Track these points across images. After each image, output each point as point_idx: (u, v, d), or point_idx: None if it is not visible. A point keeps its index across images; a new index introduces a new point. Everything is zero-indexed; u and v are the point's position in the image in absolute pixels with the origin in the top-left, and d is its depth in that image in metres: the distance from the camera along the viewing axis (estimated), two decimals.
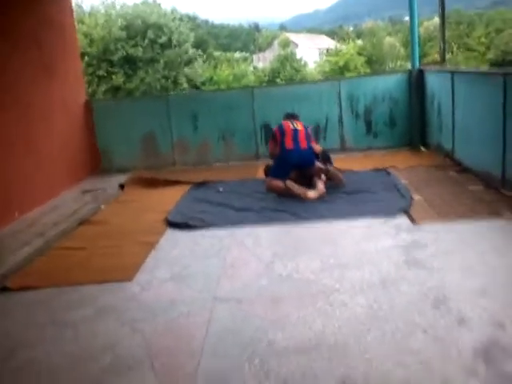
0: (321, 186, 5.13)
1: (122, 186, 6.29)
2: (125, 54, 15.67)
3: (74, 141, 6.90)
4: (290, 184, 5.16)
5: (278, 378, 2.25)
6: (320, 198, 4.99)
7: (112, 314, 3.03)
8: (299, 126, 5.47)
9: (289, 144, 5.32)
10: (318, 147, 5.74)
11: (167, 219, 4.74)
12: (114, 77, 12.86)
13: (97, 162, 7.47)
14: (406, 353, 2.34)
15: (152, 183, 6.22)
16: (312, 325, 2.68)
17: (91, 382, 2.37)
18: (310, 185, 5.17)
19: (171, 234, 4.42)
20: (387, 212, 4.38)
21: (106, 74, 12.92)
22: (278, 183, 5.25)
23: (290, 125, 5.49)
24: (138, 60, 14.11)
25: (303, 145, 5.33)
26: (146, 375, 2.38)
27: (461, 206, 4.36)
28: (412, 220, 4.17)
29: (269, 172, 5.62)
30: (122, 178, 6.59)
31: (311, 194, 5.04)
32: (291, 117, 5.79)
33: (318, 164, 5.33)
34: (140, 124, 7.48)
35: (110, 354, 2.59)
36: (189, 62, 14.69)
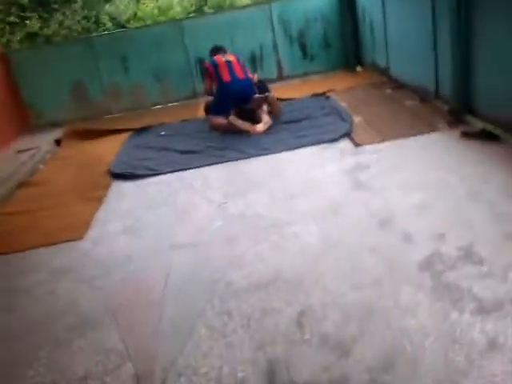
0: (266, 117, 5.11)
1: (57, 142, 6.00)
2: None
3: None
4: (233, 119, 5.09)
5: (241, 315, 2.33)
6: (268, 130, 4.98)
7: (67, 274, 2.99)
8: (231, 57, 5.36)
9: (225, 76, 5.21)
10: (254, 77, 5.64)
11: (110, 171, 4.61)
12: (27, 22, 11.84)
13: (26, 119, 7.03)
14: (358, 274, 2.46)
15: (89, 135, 5.96)
16: (268, 259, 2.76)
17: (54, 344, 2.37)
18: (253, 119, 5.12)
19: (117, 186, 4.33)
20: (330, 137, 4.44)
21: (18, 20, 11.85)
22: (221, 120, 5.18)
23: (221, 57, 5.37)
24: (51, 1, 12.98)
25: (240, 75, 5.24)
26: (109, 332, 2.39)
27: (399, 123, 4.48)
28: (354, 143, 4.25)
29: (210, 110, 5.52)
30: (56, 133, 6.27)
31: (259, 127, 5.01)
32: (219, 50, 5.63)
33: (257, 95, 5.25)
34: (66, 72, 7.00)
35: (70, 314, 2.58)
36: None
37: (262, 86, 5.54)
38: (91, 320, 2.51)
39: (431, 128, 4.23)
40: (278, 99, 5.55)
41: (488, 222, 2.68)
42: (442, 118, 4.41)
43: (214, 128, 5.29)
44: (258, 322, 2.26)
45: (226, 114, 5.17)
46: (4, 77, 6.76)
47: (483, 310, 2.04)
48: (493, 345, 1.85)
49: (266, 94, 5.29)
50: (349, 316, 2.17)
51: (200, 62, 7.00)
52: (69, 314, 2.59)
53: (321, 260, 2.65)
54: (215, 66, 5.31)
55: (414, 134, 4.17)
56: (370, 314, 2.16)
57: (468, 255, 2.42)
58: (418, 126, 4.35)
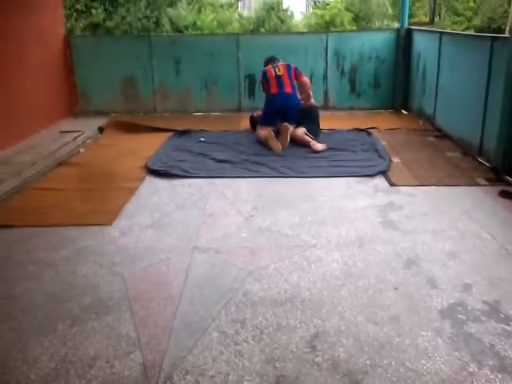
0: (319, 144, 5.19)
1: (101, 129, 6.16)
2: None
3: (52, 77, 6.66)
4: (269, 134, 5.22)
5: (254, 327, 2.33)
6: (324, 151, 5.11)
7: (91, 256, 3.05)
8: (281, 71, 5.54)
9: (273, 88, 5.49)
10: (307, 80, 5.78)
11: (147, 166, 4.70)
12: (93, 12, 12.29)
13: (75, 103, 7.25)
14: (376, 308, 2.45)
15: (132, 128, 6.11)
16: (288, 277, 2.76)
17: (70, 320, 2.41)
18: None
19: (151, 181, 4.41)
20: (366, 172, 4.45)
21: (85, 9, 12.31)
22: (264, 132, 5.32)
23: (272, 71, 5.58)
24: None
25: (287, 89, 5.45)
26: (123, 317, 2.43)
27: (437, 172, 4.46)
28: (389, 182, 4.25)
29: (255, 122, 5.78)
30: (100, 121, 6.45)
31: (319, 146, 5.13)
32: (272, 60, 5.84)
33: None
34: (121, 65, 7.22)
35: (89, 295, 2.63)
36: (172, 4, 14.12)
37: (311, 111, 5.66)
38: (107, 304, 2.55)
39: (470, 181, 4.20)
40: (319, 129, 5.69)
41: None
42: (482, 173, 4.38)
43: (258, 139, 5.39)
44: (271, 337, 2.26)
45: (270, 126, 5.38)
46: (63, 59, 7.00)
47: (504, 368, 2.00)
48: None
49: (284, 124, 5.30)
50: (362, 347, 2.16)
51: (249, 78, 7.14)
52: (87, 295, 2.64)
53: (341, 288, 2.64)
54: (266, 79, 5.59)
55: (452, 184, 4.14)
56: (385, 349, 2.13)
57: (493, 311, 2.38)
58: (457, 176, 4.33)
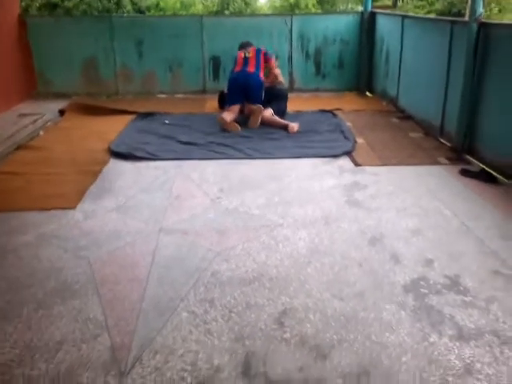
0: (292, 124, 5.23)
1: (61, 112, 5.98)
2: None
3: (7, 59, 6.38)
4: (225, 115, 5.26)
5: (223, 306, 2.34)
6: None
7: (55, 240, 2.98)
8: (250, 54, 5.57)
9: (237, 68, 5.51)
10: (277, 70, 5.81)
11: (110, 148, 4.61)
12: None
13: (33, 85, 7.00)
14: (342, 284, 2.50)
15: (94, 110, 5.95)
16: (255, 257, 2.78)
17: (35, 305, 2.36)
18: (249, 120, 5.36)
19: (114, 164, 4.33)
20: (332, 153, 4.49)
21: None
22: (224, 114, 5.31)
23: (242, 55, 5.60)
24: None
25: (250, 68, 5.46)
26: (90, 301, 2.40)
27: (401, 151, 4.55)
28: (354, 162, 4.31)
29: (225, 99, 5.78)
30: (61, 104, 6.26)
31: (295, 127, 5.16)
32: (245, 45, 5.86)
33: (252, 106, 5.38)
34: (81, 46, 7.01)
35: (53, 280, 2.58)
36: None
37: (280, 92, 5.69)
38: (73, 288, 2.50)
39: (432, 161, 4.31)
40: (285, 110, 5.75)
41: (476, 257, 2.74)
42: (443, 153, 4.49)
43: (218, 122, 5.35)
44: (239, 315, 2.27)
45: (234, 105, 5.38)
46: (18, 40, 6.72)
47: (462, 337, 2.08)
48: (468, 370, 1.89)
49: (257, 105, 5.33)
50: (329, 322, 2.20)
51: (214, 60, 7.07)
52: (51, 279, 2.58)
53: (308, 265, 2.68)
54: (235, 61, 5.63)
55: (414, 164, 4.24)
56: (351, 324, 2.18)
57: (453, 284, 2.47)
58: (419, 156, 4.43)
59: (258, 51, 5.65)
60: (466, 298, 2.35)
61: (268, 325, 2.20)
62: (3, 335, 2.16)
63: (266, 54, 5.69)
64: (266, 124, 5.30)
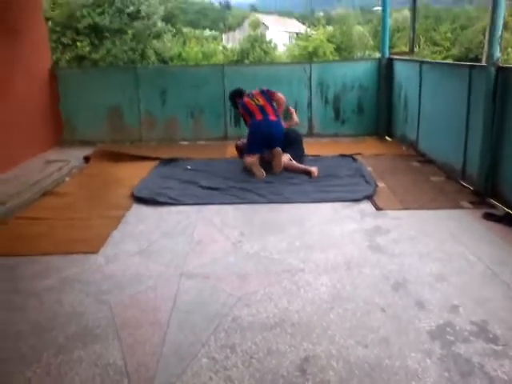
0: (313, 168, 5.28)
1: (86, 159, 6.16)
2: (91, 21, 15.20)
3: (37, 108, 6.67)
4: (253, 162, 5.30)
5: (244, 352, 2.31)
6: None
7: (77, 285, 3.01)
8: (261, 101, 5.53)
9: (258, 116, 5.49)
10: (281, 96, 5.72)
11: (133, 194, 4.70)
12: (79, 45, 12.44)
13: (59, 133, 7.25)
14: (366, 331, 2.44)
15: (118, 157, 6.11)
16: (277, 302, 2.75)
17: (55, 350, 2.36)
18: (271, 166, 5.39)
19: (137, 209, 4.40)
20: (353, 197, 4.49)
21: (70, 42, 12.46)
22: (251, 158, 5.37)
23: (252, 102, 5.55)
24: (104, 29, 13.65)
25: (272, 117, 5.47)
26: (111, 345, 2.39)
27: (422, 196, 4.52)
28: (376, 206, 4.30)
29: (241, 150, 5.82)
30: (85, 151, 6.44)
31: (315, 170, 5.21)
32: (239, 93, 5.87)
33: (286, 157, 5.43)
34: (106, 96, 7.29)
35: (75, 324, 2.59)
36: (157, 36, 14.36)
37: (294, 136, 5.76)
38: (94, 332, 2.51)
39: (454, 204, 4.27)
40: (303, 154, 5.82)
41: (503, 302, 2.66)
42: (465, 196, 4.45)
43: (246, 167, 5.42)
44: (261, 362, 2.23)
45: (255, 154, 5.40)
46: (48, 90, 7.03)
47: None
48: None
49: (276, 148, 5.38)
50: (353, 370, 2.14)
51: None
52: (72, 324, 2.59)
53: (330, 311, 2.64)
54: (246, 109, 5.58)
55: (436, 208, 4.20)
56: (375, 372, 2.12)
57: (481, 331, 2.39)
58: (441, 200, 4.39)
59: (262, 93, 5.58)
60: (495, 347, 2.27)
61: (290, 372, 2.15)
62: (23, 380, 2.15)
63: (268, 91, 5.64)
64: (285, 169, 5.34)
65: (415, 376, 2.08)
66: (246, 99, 5.64)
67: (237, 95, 5.92)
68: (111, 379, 2.15)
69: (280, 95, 5.68)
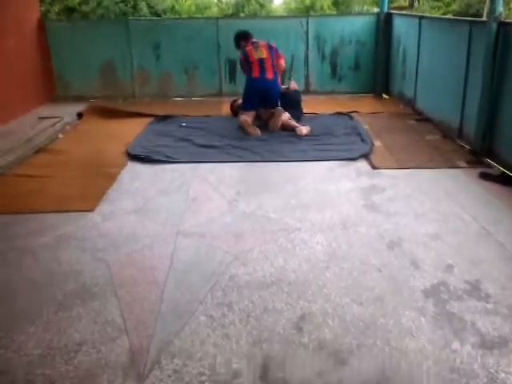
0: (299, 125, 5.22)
1: (79, 115, 6.05)
2: None
3: (27, 63, 6.48)
4: (245, 120, 5.25)
5: (241, 310, 2.34)
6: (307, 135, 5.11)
7: (74, 242, 3.01)
8: (264, 54, 5.41)
9: (255, 73, 5.37)
10: (292, 84, 5.83)
11: (128, 151, 4.64)
12: None
13: (51, 89, 7.09)
14: (361, 290, 2.47)
15: (112, 114, 6.01)
16: (273, 261, 2.77)
17: (55, 307, 2.38)
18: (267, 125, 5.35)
19: (132, 167, 4.36)
20: (349, 156, 4.47)
21: None
22: (245, 116, 5.32)
23: (254, 54, 5.43)
24: None
25: (269, 75, 5.36)
26: (109, 302, 2.41)
27: (418, 154, 4.51)
28: (372, 165, 4.28)
29: (235, 109, 5.77)
30: (79, 107, 6.32)
31: (303, 130, 5.12)
32: (246, 37, 5.69)
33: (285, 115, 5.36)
34: (98, 50, 7.09)
35: (72, 281, 2.60)
36: None
37: (294, 96, 5.67)
38: (92, 290, 2.52)
39: (450, 164, 4.26)
40: (302, 113, 5.77)
41: (497, 262, 2.69)
42: (462, 156, 4.44)
43: (241, 125, 5.36)
44: (258, 319, 2.27)
45: (251, 111, 5.34)
46: (37, 43, 6.81)
47: (485, 345, 2.04)
48: (493, 380, 1.85)
49: (277, 108, 5.33)
50: (348, 328, 2.18)
51: (230, 62, 7.07)
52: (70, 281, 2.60)
53: (326, 270, 2.66)
54: (246, 58, 5.44)
55: (432, 167, 4.19)
56: (370, 329, 2.16)
57: (474, 290, 2.43)
58: (437, 159, 4.38)
59: (270, 48, 5.47)
60: (487, 305, 2.31)
61: (286, 329, 2.19)
62: (25, 335, 2.18)
63: (277, 51, 5.54)
64: (283, 127, 5.28)
65: (409, 334, 2.13)
66: (249, 47, 5.51)
67: (242, 37, 5.72)
68: (110, 335, 2.17)
69: (282, 62, 5.61)
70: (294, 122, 5.30)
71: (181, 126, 5.57)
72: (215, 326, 2.23)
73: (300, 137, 5.03)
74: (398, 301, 2.37)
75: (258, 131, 5.18)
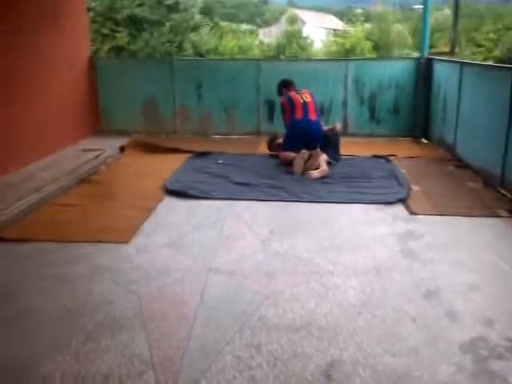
0: (324, 166, 5.17)
1: (122, 149, 6.25)
2: (130, 13, 15.41)
3: (76, 97, 6.80)
4: (300, 157, 5.24)
5: (269, 353, 2.29)
6: (322, 178, 5.07)
7: (107, 274, 3.05)
8: (308, 98, 5.60)
9: (298, 114, 5.51)
10: (337, 126, 5.92)
11: (165, 186, 4.73)
12: (118, 36, 12.61)
13: (97, 122, 7.38)
14: (394, 339, 2.39)
15: (152, 148, 6.18)
16: (304, 303, 2.72)
17: (84, 337, 2.40)
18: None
19: (169, 201, 4.43)
20: (385, 199, 4.41)
21: (110, 33, 12.66)
22: (290, 154, 5.37)
23: (298, 98, 5.60)
24: (143, 21, 13.81)
25: (312, 116, 5.52)
26: (137, 335, 2.41)
27: (458, 202, 4.40)
28: (409, 210, 4.20)
29: (272, 145, 5.91)
30: (121, 141, 6.54)
31: (314, 173, 5.10)
32: (289, 85, 5.90)
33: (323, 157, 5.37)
34: (143, 87, 7.36)
35: (102, 312, 2.62)
36: (195, 29, 14.43)
37: (333, 138, 5.73)
38: (122, 322, 2.53)
39: (490, 212, 4.14)
40: (339, 155, 5.78)
41: None
42: (503, 205, 4.31)
43: (282, 162, 5.44)
44: (285, 363, 2.21)
45: (290, 151, 5.41)
46: (87, 79, 7.15)
47: None
48: None
49: (317, 150, 5.34)
50: (380, 378, 2.10)
51: (269, 103, 7.20)
52: (101, 312, 2.63)
53: (358, 317, 2.59)
54: (291, 104, 5.59)
55: (472, 215, 4.08)
56: (403, 382, 2.07)
57: None
58: (478, 207, 4.26)
59: (312, 95, 5.68)
60: None
61: (315, 376, 2.12)
62: (53, 364, 2.19)
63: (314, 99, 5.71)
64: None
65: None
66: (292, 93, 5.71)
67: (285, 85, 5.95)
68: (136, 369, 2.17)
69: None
70: (323, 164, 5.28)
71: (218, 163, 5.66)
72: (242, 367, 2.19)
73: (310, 179, 5.03)
74: (433, 353, 2.27)
75: (300, 170, 5.19)
